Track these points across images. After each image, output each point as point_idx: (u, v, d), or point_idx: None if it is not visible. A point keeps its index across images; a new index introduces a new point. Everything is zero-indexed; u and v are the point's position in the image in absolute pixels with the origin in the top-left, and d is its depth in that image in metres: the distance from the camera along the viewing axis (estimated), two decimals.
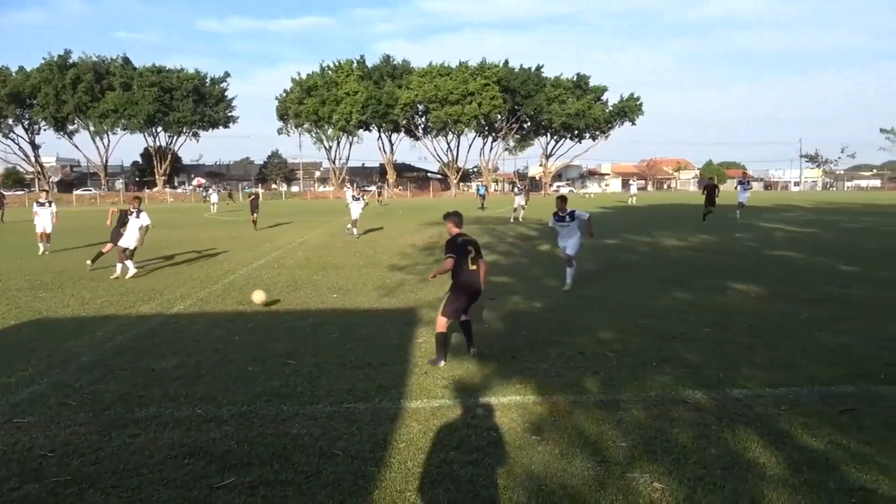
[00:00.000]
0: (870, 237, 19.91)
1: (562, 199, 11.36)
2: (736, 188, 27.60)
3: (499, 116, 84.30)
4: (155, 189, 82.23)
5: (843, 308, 9.10)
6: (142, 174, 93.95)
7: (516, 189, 37.04)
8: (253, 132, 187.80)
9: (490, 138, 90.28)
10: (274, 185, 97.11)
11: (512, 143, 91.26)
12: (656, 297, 10.05)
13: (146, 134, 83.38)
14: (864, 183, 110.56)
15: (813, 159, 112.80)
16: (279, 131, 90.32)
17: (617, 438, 4.65)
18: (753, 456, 4.33)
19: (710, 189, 25.76)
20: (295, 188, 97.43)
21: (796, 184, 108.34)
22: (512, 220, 28.06)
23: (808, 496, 3.78)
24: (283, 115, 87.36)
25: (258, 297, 9.76)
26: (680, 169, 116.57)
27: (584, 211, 11.27)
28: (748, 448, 4.45)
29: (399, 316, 9.03)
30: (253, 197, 27.46)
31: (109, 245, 13.71)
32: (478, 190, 50.20)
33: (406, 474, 4.16)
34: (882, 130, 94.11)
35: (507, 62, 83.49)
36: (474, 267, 6.78)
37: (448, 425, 4.97)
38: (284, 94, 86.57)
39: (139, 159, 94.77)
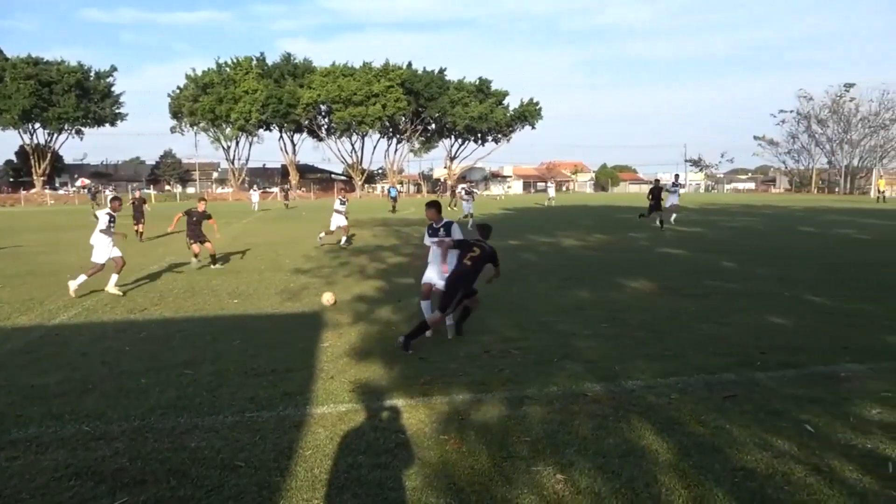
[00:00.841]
0: (746, 235, 21.65)
1: (433, 207, 8.05)
2: (667, 191, 27.57)
3: (403, 118, 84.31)
4: (33, 191, 75.72)
5: (725, 301, 9.82)
6: (17, 174, 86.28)
7: (464, 192, 32.80)
8: (144, 130, 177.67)
9: (395, 140, 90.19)
10: (168, 187, 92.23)
11: (417, 145, 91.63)
12: (558, 296, 10.42)
13: (21, 131, 76.59)
14: (740, 185, 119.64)
15: (696, 163, 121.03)
16: (172, 130, 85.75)
17: (522, 433, 4.78)
18: (647, 443, 4.58)
19: (656, 192, 24.82)
20: (191, 189, 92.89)
21: (682, 186, 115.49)
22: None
23: (697, 478, 4.05)
24: (176, 113, 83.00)
25: (327, 298, 9.84)
26: (577, 172, 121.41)
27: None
28: (642, 436, 4.71)
29: (303, 320, 8.85)
30: (136, 201, 23.53)
31: (196, 245, 14.46)
32: (389, 192, 49.57)
33: (313, 482, 4.08)
34: (755, 137, 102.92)
35: (410, 64, 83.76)
36: (468, 263, 7.31)
37: (355, 429, 4.92)
38: (178, 91, 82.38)
39: (13, 158, 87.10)
